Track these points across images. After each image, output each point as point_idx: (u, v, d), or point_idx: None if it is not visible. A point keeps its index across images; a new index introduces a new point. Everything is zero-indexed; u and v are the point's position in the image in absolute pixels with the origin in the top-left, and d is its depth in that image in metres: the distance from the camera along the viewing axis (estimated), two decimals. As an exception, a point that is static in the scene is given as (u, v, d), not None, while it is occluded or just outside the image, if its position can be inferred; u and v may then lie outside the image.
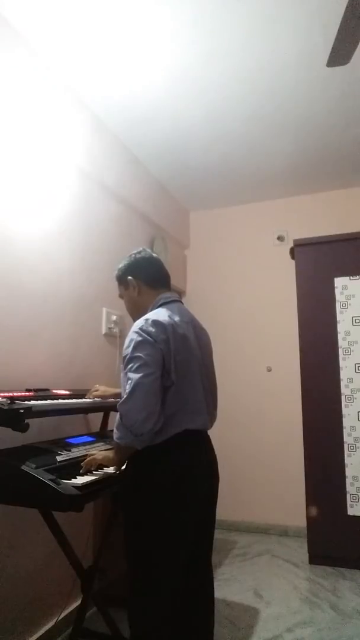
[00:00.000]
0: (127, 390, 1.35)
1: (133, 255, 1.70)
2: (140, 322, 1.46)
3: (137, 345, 1.39)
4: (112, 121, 2.82)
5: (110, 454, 1.55)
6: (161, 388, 1.39)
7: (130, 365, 1.38)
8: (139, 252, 1.71)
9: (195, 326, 1.61)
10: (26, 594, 1.98)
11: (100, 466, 1.58)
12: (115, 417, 1.41)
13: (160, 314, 1.49)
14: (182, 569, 1.43)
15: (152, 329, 1.42)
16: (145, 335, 1.40)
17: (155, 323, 1.43)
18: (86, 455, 1.63)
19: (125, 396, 1.35)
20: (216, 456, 1.62)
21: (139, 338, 1.40)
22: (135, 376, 1.35)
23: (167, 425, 1.41)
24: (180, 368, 1.44)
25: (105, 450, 1.64)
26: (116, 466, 1.56)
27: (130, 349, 1.40)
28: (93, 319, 2.66)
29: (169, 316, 1.49)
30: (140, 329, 1.42)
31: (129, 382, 1.35)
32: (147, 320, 1.45)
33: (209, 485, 1.55)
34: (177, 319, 1.50)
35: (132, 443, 1.37)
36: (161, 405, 1.39)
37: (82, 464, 1.56)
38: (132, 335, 1.43)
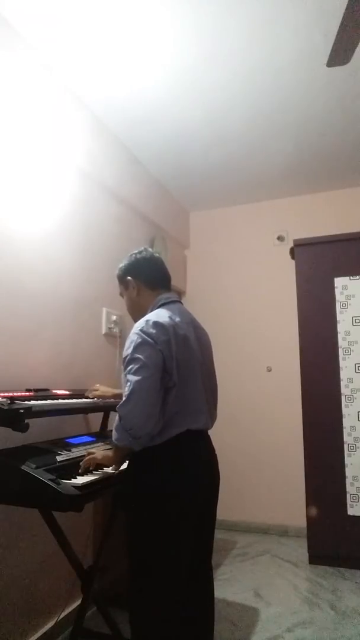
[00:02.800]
0: (125, 393, 1.35)
1: (133, 256, 1.70)
2: (140, 323, 1.46)
3: (137, 347, 1.39)
4: (112, 121, 2.82)
5: (109, 453, 1.56)
6: (161, 390, 1.39)
7: (130, 367, 1.38)
8: (140, 252, 1.70)
9: (195, 327, 1.61)
10: (26, 594, 1.98)
11: (100, 465, 1.58)
12: (115, 417, 1.41)
13: (161, 315, 1.49)
14: (183, 569, 1.43)
15: (152, 330, 1.42)
16: (146, 337, 1.40)
17: (156, 324, 1.43)
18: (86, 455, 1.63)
19: (124, 399, 1.35)
20: (217, 456, 1.62)
21: (139, 339, 1.40)
22: (134, 378, 1.35)
23: (169, 425, 1.41)
24: (182, 369, 1.44)
25: (104, 449, 1.64)
26: (115, 465, 1.56)
27: (130, 350, 1.40)
28: (93, 319, 2.66)
29: (169, 317, 1.49)
30: (141, 330, 1.42)
31: (128, 384, 1.35)
32: (147, 321, 1.45)
33: (210, 485, 1.56)
34: (177, 319, 1.50)
35: (130, 445, 1.38)
36: (162, 407, 1.39)
37: (80, 463, 1.56)
38: (132, 337, 1.43)
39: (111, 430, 1.51)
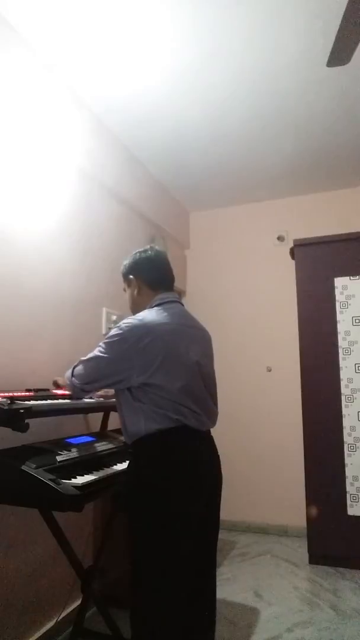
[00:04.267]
0: (87, 357, 1.55)
1: (138, 254, 1.71)
2: (128, 319, 1.51)
3: (114, 339, 1.48)
4: (112, 121, 2.82)
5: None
6: (119, 380, 1.49)
7: (100, 346, 1.52)
8: (145, 252, 1.72)
9: (191, 326, 1.61)
10: (26, 594, 1.98)
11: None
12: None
13: (150, 315, 1.52)
14: (184, 569, 1.42)
15: (135, 329, 1.46)
16: (126, 333, 1.46)
17: (141, 322, 1.48)
18: (85, 456, 1.65)
19: (83, 359, 1.56)
20: (219, 456, 1.61)
21: (119, 333, 1.48)
22: (98, 353, 1.51)
23: (163, 423, 1.42)
24: (167, 368, 1.45)
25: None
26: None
27: (107, 337, 1.51)
28: (93, 319, 2.66)
29: (158, 317, 1.51)
30: (125, 324, 1.49)
31: (92, 353, 1.53)
32: (134, 318, 1.50)
33: (213, 485, 1.55)
34: (167, 319, 1.52)
35: (68, 388, 1.64)
36: (138, 404, 1.46)
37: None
38: (115, 329, 1.50)
39: (112, 430, 1.52)
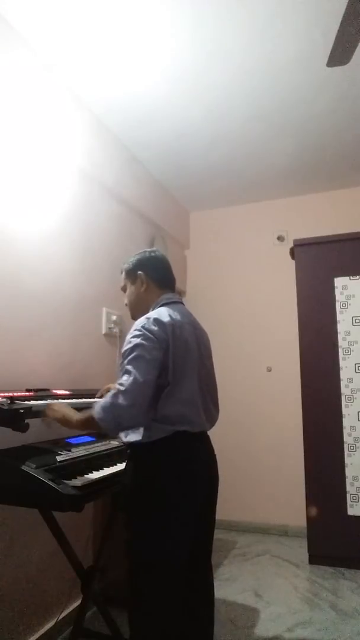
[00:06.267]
0: (124, 382, 1.34)
1: (147, 253, 1.72)
2: (142, 321, 1.47)
3: (139, 343, 1.40)
4: (112, 121, 2.82)
5: (73, 416, 1.49)
6: (155, 388, 1.40)
7: (130, 360, 1.38)
8: (153, 251, 1.73)
9: (195, 327, 1.62)
10: (26, 594, 1.98)
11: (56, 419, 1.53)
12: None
13: (162, 314, 1.49)
14: (182, 569, 1.43)
15: (154, 328, 1.43)
16: (148, 334, 1.41)
17: (157, 322, 1.45)
18: (85, 456, 1.63)
19: (121, 387, 1.33)
20: (216, 457, 1.62)
21: (142, 335, 1.41)
22: (134, 371, 1.35)
23: (163, 425, 1.42)
24: (178, 368, 1.45)
25: (68, 408, 1.55)
26: (70, 427, 1.51)
27: (131, 345, 1.41)
28: (93, 319, 2.66)
29: (169, 315, 1.49)
30: (143, 327, 1.43)
31: (127, 374, 1.35)
32: (149, 318, 1.46)
33: (209, 486, 1.55)
34: (178, 319, 1.51)
35: (110, 430, 1.40)
36: (154, 405, 1.40)
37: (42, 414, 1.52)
38: (134, 333, 1.43)
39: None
